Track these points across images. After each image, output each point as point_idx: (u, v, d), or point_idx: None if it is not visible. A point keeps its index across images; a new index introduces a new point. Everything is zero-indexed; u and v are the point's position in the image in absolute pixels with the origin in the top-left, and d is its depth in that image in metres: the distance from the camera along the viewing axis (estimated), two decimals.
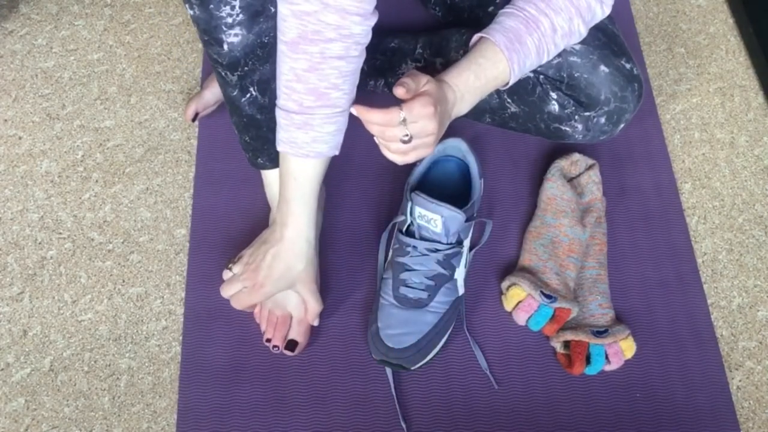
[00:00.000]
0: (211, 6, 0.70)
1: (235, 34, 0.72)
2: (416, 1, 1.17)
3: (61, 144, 1.06)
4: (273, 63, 0.76)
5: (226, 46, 0.73)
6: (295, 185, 0.77)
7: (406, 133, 0.70)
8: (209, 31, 0.73)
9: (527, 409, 0.87)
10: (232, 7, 0.70)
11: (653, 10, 1.22)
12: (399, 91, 0.68)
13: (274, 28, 0.74)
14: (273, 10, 0.72)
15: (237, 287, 0.83)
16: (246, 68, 0.76)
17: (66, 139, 1.06)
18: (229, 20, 0.71)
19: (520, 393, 0.88)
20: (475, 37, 0.79)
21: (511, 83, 0.79)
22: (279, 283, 0.81)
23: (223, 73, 0.77)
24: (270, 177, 0.91)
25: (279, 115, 0.74)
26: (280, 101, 0.73)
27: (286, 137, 0.74)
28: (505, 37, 0.76)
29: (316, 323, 0.86)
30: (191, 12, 0.72)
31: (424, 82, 0.71)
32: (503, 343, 0.91)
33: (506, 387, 0.89)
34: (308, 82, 0.70)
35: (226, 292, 0.84)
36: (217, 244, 0.97)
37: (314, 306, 0.84)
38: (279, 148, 0.75)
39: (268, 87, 0.78)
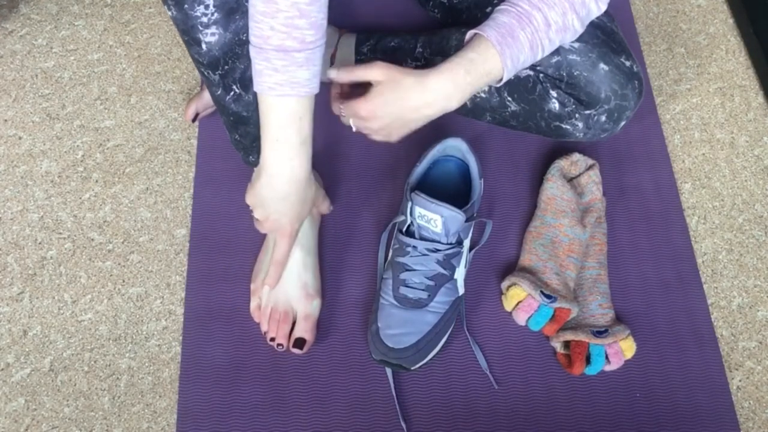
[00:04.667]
0: (186, 6, 0.70)
1: (212, 33, 0.72)
2: (415, 3, 1.17)
3: (61, 144, 1.06)
4: None
5: (204, 46, 0.73)
6: (300, 125, 0.74)
7: (349, 125, 0.84)
8: (187, 31, 0.72)
9: (527, 409, 0.87)
10: (206, 6, 0.70)
11: (653, 10, 1.23)
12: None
13: None
14: (247, 6, 0.72)
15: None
16: (227, 66, 0.75)
17: (66, 139, 1.06)
18: (205, 19, 0.71)
19: (520, 393, 0.88)
20: (469, 33, 0.80)
21: (505, 79, 0.79)
22: (301, 214, 0.81)
23: (205, 73, 0.77)
24: None
25: (274, 57, 0.69)
26: (275, 41, 0.68)
27: (285, 79, 0.70)
28: (497, 32, 0.77)
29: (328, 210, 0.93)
30: (169, 13, 0.72)
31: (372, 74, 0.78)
32: (503, 343, 0.91)
33: (506, 387, 0.89)
34: (310, 16, 0.68)
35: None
36: (217, 244, 0.97)
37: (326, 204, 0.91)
38: (274, 93, 0.71)
39: (251, 84, 0.78)
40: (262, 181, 0.77)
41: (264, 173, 0.76)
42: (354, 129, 0.86)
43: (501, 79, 0.80)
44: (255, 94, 0.79)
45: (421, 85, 0.78)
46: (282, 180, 0.76)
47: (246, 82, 0.78)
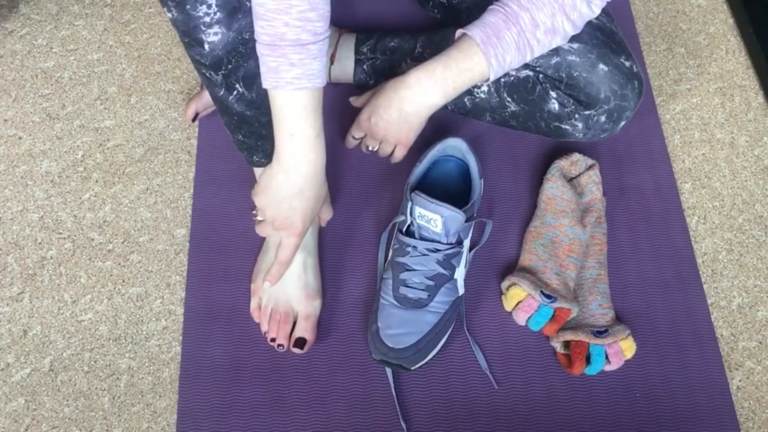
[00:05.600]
0: (188, 6, 0.70)
1: (215, 33, 0.72)
2: (415, 4, 1.17)
3: (61, 144, 1.06)
4: (257, 58, 0.76)
5: (207, 46, 0.73)
6: (314, 117, 0.75)
7: (368, 150, 0.95)
8: (188, 33, 0.72)
9: (527, 409, 0.87)
10: (209, 6, 0.70)
11: (653, 10, 1.23)
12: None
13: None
14: (249, 5, 0.72)
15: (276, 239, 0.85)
16: (230, 66, 0.75)
17: (66, 139, 1.06)
18: (207, 19, 0.71)
19: (520, 393, 0.88)
20: (458, 33, 0.82)
21: (492, 77, 0.81)
22: (313, 212, 0.82)
23: (207, 74, 0.76)
24: None
25: (291, 51, 0.71)
26: (291, 36, 0.70)
27: (302, 72, 0.72)
28: (483, 31, 0.79)
29: (324, 223, 0.94)
30: (169, 15, 0.71)
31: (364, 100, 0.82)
32: (503, 343, 0.91)
33: (506, 387, 0.89)
34: (319, 8, 0.69)
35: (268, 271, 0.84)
36: (217, 244, 0.97)
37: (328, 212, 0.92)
38: (292, 87, 0.72)
39: (254, 82, 0.77)
40: (278, 178, 0.77)
41: (280, 169, 0.76)
42: (371, 149, 0.95)
43: (488, 78, 0.81)
44: (258, 93, 0.79)
45: (400, 82, 0.84)
46: (299, 174, 0.77)
47: (249, 81, 0.77)
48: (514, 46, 0.79)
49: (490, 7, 0.81)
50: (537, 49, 0.81)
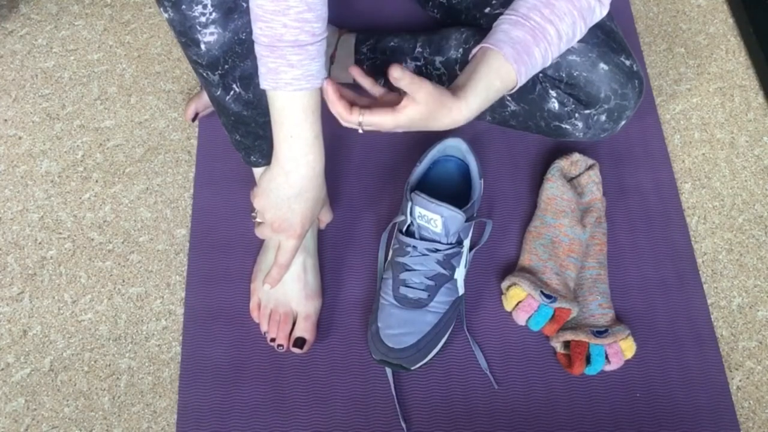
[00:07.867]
0: (183, 6, 0.70)
1: (211, 33, 0.72)
2: (415, 3, 1.17)
3: (61, 144, 1.06)
4: (254, 59, 0.76)
5: (203, 46, 0.73)
6: (313, 119, 0.75)
7: (360, 129, 0.75)
8: (185, 32, 0.72)
9: (527, 409, 0.87)
10: (204, 6, 0.70)
11: (653, 10, 1.22)
12: (394, 74, 0.68)
13: (250, 23, 0.73)
14: (245, 5, 0.72)
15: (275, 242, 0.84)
16: (227, 66, 0.75)
17: (66, 139, 1.06)
18: (203, 19, 0.71)
19: (520, 393, 0.88)
20: (482, 48, 0.77)
21: (512, 91, 0.79)
22: (312, 216, 0.81)
23: (204, 74, 0.77)
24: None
25: (290, 53, 0.70)
26: (289, 37, 0.70)
27: (301, 73, 0.71)
28: (514, 49, 0.75)
29: (323, 226, 0.93)
30: (165, 15, 0.71)
31: (420, 91, 0.69)
32: (503, 343, 0.91)
33: (506, 387, 0.89)
34: (316, 9, 0.69)
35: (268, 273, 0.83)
36: (217, 244, 0.97)
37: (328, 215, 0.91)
38: (291, 88, 0.72)
39: (251, 82, 0.78)
40: (278, 180, 0.77)
41: (280, 171, 0.76)
42: (361, 131, 0.80)
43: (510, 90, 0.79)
44: (255, 93, 0.79)
45: (460, 102, 0.75)
46: (298, 176, 0.76)
47: (246, 81, 0.78)
48: (541, 60, 0.77)
49: (509, 17, 0.77)
50: (556, 57, 0.80)
